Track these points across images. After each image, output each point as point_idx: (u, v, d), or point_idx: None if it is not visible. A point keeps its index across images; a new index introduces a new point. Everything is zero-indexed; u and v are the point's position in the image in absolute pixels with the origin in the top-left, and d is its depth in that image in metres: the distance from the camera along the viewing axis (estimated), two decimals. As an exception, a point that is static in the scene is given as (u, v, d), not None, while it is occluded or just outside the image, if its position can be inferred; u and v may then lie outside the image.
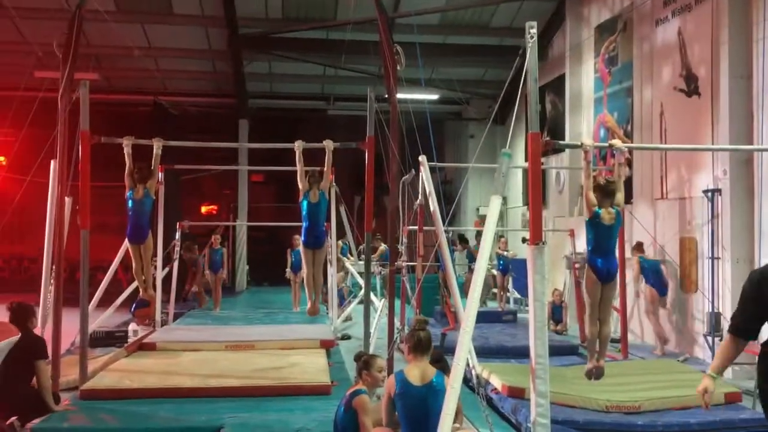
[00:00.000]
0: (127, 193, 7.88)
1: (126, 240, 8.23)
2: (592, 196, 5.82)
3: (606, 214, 5.81)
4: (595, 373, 6.30)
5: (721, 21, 9.48)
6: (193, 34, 16.70)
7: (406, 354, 4.87)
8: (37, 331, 6.75)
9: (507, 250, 13.68)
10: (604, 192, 5.90)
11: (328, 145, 7.92)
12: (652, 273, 10.49)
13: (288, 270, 14.56)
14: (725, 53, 9.32)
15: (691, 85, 10.43)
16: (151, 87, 18.69)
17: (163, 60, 17.70)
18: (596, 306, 5.98)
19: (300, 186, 7.90)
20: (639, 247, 10.72)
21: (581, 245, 13.18)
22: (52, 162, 8.31)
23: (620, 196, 5.97)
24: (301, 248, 8.06)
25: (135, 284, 12.30)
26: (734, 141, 9.03)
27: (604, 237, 5.85)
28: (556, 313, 12.52)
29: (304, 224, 7.98)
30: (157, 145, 7.89)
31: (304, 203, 7.89)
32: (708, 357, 9.26)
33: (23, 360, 6.01)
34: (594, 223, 5.82)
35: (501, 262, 13.58)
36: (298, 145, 7.91)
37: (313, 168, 8.02)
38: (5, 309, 6.43)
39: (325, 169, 7.95)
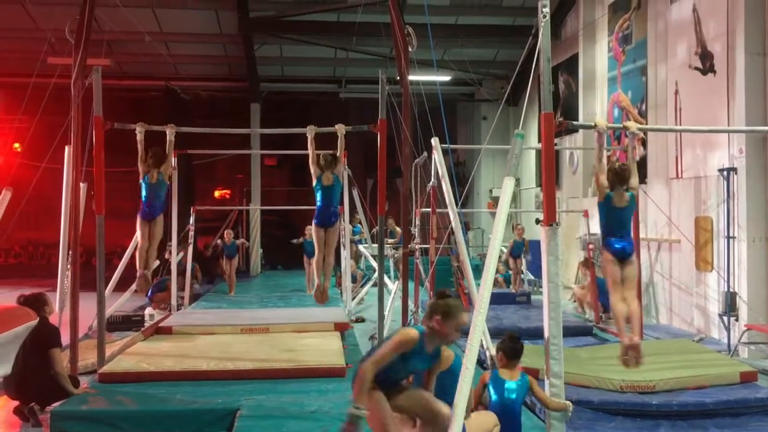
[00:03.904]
0: (142, 179, 7.69)
1: (138, 218, 7.92)
2: (603, 179, 5.62)
3: (618, 197, 5.62)
4: (632, 354, 5.35)
5: (736, -4, 9.33)
6: (203, 18, 16.68)
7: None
8: (55, 316, 6.82)
9: (523, 238, 13.65)
10: (619, 176, 5.67)
11: (340, 129, 7.86)
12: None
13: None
14: (741, 29, 9.17)
15: (706, 63, 10.29)
16: (163, 72, 18.70)
17: (175, 45, 17.70)
18: (618, 285, 5.88)
19: (311, 171, 7.85)
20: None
21: (595, 226, 13.12)
22: (66, 148, 8.35)
23: (634, 181, 5.80)
24: (313, 229, 8.01)
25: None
26: (750, 119, 8.90)
27: (616, 220, 5.69)
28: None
29: (317, 205, 7.91)
30: (170, 132, 7.76)
31: (318, 187, 7.83)
32: (723, 337, 9.22)
33: (39, 349, 6.14)
34: (606, 206, 5.67)
35: (515, 246, 13.57)
36: (310, 130, 7.86)
37: (326, 152, 7.94)
38: (16, 302, 6.52)
39: (338, 153, 7.90)
